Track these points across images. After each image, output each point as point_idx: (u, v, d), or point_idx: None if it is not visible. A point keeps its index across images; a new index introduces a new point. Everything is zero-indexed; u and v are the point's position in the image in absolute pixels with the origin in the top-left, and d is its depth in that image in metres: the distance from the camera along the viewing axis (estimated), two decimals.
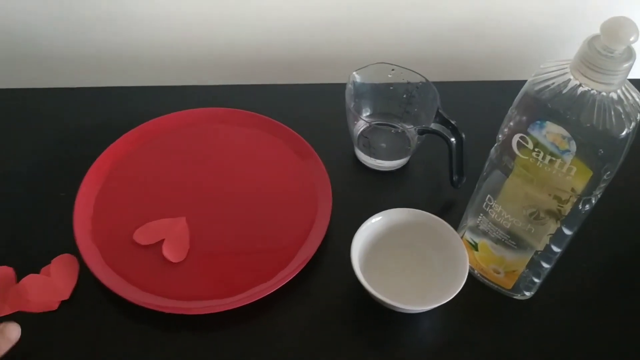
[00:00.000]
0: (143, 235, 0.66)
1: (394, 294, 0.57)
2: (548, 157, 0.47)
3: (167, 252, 0.64)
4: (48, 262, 0.62)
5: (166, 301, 0.60)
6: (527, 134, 0.48)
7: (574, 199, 0.50)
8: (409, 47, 0.93)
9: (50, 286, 0.60)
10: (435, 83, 0.71)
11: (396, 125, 0.77)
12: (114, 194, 0.70)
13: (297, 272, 0.62)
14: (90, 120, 0.79)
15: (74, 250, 0.63)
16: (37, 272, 0.61)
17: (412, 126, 0.76)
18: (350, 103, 0.71)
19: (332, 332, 0.60)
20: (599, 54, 0.42)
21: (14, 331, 0.51)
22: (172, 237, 0.66)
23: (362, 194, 0.73)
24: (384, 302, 0.56)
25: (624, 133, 0.43)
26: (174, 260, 0.64)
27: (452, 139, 0.67)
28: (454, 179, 0.70)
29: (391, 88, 0.75)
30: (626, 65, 0.42)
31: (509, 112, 0.50)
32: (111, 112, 0.81)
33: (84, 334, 0.58)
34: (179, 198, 0.70)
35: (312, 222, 0.67)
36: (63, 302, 0.60)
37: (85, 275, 0.62)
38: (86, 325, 0.59)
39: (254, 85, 0.85)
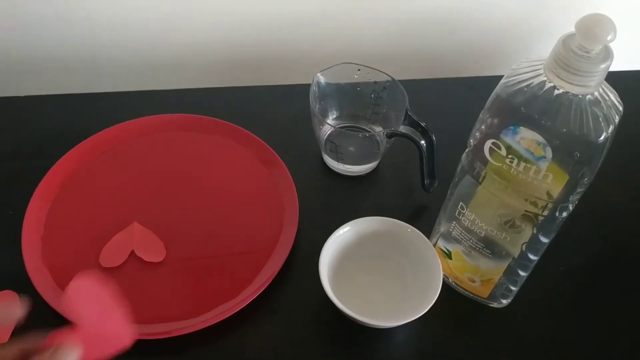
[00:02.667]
0: (110, 257, 0.62)
1: (367, 308, 0.54)
2: (522, 164, 0.44)
3: (146, 256, 0.61)
4: None
5: None
6: (500, 139, 0.45)
7: (551, 205, 0.47)
8: (377, 44, 0.90)
9: None
10: (404, 81, 0.68)
11: (364, 128, 0.74)
12: (68, 210, 0.66)
13: (264, 289, 0.58)
14: (40, 131, 0.74)
15: (22, 273, 0.58)
16: None
17: (381, 128, 0.73)
18: (315, 106, 0.68)
19: (303, 350, 0.57)
20: (575, 54, 0.39)
21: (71, 352, 0.36)
22: (138, 243, 0.62)
23: (331, 200, 0.70)
24: (355, 319, 0.53)
25: (602, 137, 0.41)
26: (157, 260, 0.61)
27: (423, 142, 0.64)
28: (425, 182, 0.67)
29: (358, 89, 0.71)
30: (603, 66, 0.39)
31: (481, 115, 0.47)
32: (63, 121, 0.76)
33: None
34: (138, 211, 0.66)
35: (278, 234, 0.64)
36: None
37: (34, 302, 0.57)
38: None
39: (213, 89, 0.81)
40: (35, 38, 0.83)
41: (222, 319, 0.56)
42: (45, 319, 0.56)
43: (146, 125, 0.73)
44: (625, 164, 0.75)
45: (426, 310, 0.53)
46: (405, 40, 0.91)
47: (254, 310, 0.58)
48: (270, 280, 0.59)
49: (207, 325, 0.56)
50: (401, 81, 0.68)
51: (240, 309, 0.57)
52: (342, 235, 0.58)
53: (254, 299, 0.58)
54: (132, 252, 0.62)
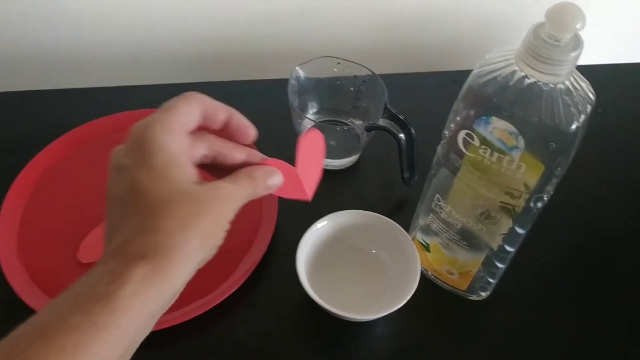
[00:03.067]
0: (89, 252, 0.61)
1: (345, 302, 0.54)
2: (495, 155, 0.44)
3: None
4: None
5: None
6: (473, 130, 0.44)
7: (526, 196, 0.47)
8: (360, 39, 0.90)
9: None
10: (387, 75, 0.68)
11: (345, 122, 0.74)
12: (44, 206, 0.65)
13: (241, 283, 0.58)
14: (16, 128, 0.73)
15: None
16: None
17: (361, 122, 0.72)
18: (294, 100, 0.67)
19: (281, 345, 0.57)
20: (545, 43, 0.39)
21: (279, 178, 0.40)
22: None
23: None
24: (333, 313, 0.53)
25: (573, 127, 0.41)
26: None
27: (401, 135, 0.64)
28: (405, 176, 0.67)
29: (338, 83, 0.71)
30: (573, 54, 0.39)
31: (454, 106, 0.47)
32: (38, 118, 0.75)
33: None
34: None
35: (256, 228, 0.63)
36: None
37: (9, 299, 0.57)
38: None
39: (191, 84, 0.81)
40: (10, 35, 0.82)
41: (199, 313, 0.56)
42: (21, 316, 0.56)
43: (124, 120, 0.72)
44: (603, 156, 0.75)
45: (404, 303, 0.53)
46: (389, 35, 0.91)
47: (232, 305, 0.58)
48: (248, 274, 0.59)
49: (184, 320, 0.55)
50: (384, 75, 0.68)
51: (220, 304, 0.56)
52: (320, 229, 0.58)
53: (232, 294, 0.57)
54: None
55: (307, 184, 0.42)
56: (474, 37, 0.93)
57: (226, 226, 0.35)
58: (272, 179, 0.39)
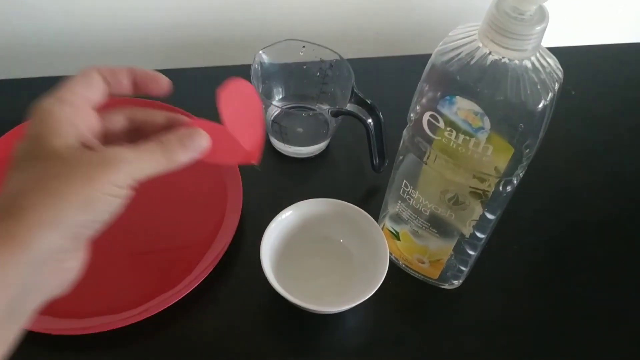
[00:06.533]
0: None
1: (313, 294, 0.53)
2: (461, 137, 0.42)
3: None
4: None
5: (55, 321, 0.53)
6: (438, 111, 0.42)
7: (496, 180, 0.45)
8: (333, 23, 0.87)
9: None
10: (353, 60, 0.65)
11: (313, 107, 0.71)
12: None
13: (204, 278, 0.55)
14: None
15: None
16: None
17: (328, 107, 0.70)
18: (257, 86, 0.65)
19: (248, 341, 0.55)
20: (508, 16, 0.37)
21: (202, 139, 0.36)
22: None
23: (279, 184, 0.67)
24: (300, 306, 0.51)
25: (540, 105, 0.39)
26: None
27: (370, 120, 0.62)
28: (374, 162, 0.65)
29: (304, 67, 0.68)
30: (539, 28, 0.37)
31: (418, 86, 0.44)
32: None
33: None
34: None
35: (220, 219, 0.61)
36: None
37: None
38: None
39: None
40: None
41: (160, 310, 0.53)
42: None
43: None
44: (576, 139, 0.73)
45: (372, 293, 0.51)
46: (358, 20, 0.88)
47: (195, 300, 0.55)
48: (211, 269, 0.56)
49: (144, 317, 0.53)
50: (352, 60, 0.65)
51: (182, 301, 0.54)
52: (285, 219, 0.56)
53: (195, 289, 0.55)
54: None
55: (247, 144, 0.37)
56: (444, 20, 0.90)
57: (115, 190, 0.32)
58: (192, 140, 0.35)
